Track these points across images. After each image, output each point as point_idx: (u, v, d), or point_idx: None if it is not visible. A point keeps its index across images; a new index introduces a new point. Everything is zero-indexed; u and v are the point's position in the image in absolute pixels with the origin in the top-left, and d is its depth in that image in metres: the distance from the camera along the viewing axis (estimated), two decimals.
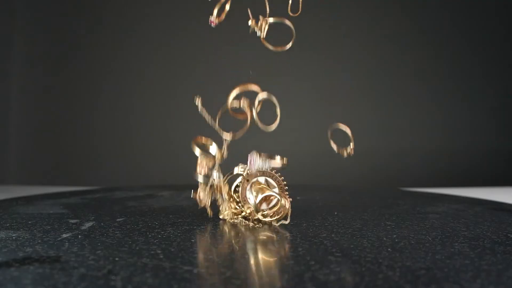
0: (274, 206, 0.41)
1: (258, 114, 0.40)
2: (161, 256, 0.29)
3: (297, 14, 0.37)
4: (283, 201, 0.39)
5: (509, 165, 1.37)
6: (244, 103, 0.40)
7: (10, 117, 1.40)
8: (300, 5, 0.37)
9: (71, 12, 1.41)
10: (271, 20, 0.39)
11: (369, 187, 0.85)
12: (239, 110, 0.41)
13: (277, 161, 0.42)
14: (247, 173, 0.41)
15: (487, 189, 1.16)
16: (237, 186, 0.43)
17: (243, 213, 0.42)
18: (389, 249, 0.31)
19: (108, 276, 0.24)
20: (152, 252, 0.30)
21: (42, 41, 1.41)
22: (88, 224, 0.40)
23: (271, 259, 0.29)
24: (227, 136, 0.41)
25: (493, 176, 1.36)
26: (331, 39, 1.39)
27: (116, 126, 1.42)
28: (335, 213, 0.47)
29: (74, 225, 0.39)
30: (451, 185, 1.26)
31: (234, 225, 0.40)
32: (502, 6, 1.41)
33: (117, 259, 0.28)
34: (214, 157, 0.43)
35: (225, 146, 0.41)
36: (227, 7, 0.38)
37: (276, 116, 0.40)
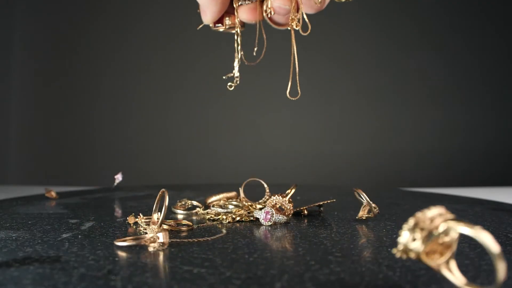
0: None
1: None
2: (162, 257, 0.29)
3: (307, 33, 0.38)
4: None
5: (509, 165, 1.37)
6: None
7: (10, 118, 1.40)
8: (309, 25, 0.37)
9: (71, 13, 1.41)
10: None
11: (369, 187, 0.85)
12: None
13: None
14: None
15: (487, 189, 1.16)
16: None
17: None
18: (389, 249, 0.31)
19: (108, 276, 0.24)
20: (153, 252, 0.30)
21: (42, 42, 1.41)
22: (88, 224, 0.40)
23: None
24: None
25: (493, 176, 1.36)
26: (331, 40, 1.39)
27: (116, 126, 1.42)
28: (335, 213, 0.47)
29: (74, 225, 0.39)
30: (451, 185, 1.26)
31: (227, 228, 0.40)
32: (503, 7, 1.41)
33: (117, 259, 0.28)
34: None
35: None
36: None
37: None
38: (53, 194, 0.59)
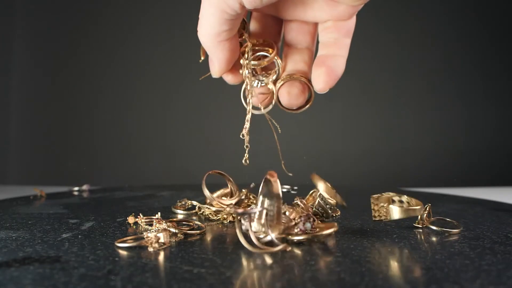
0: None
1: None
2: (162, 257, 0.29)
3: None
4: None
5: (509, 165, 1.37)
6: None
7: (10, 118, 1.40)
8: None
9: (71, 13, 1.41)
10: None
11: (369, 187, 0.85)
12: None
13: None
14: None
15: (487, 189, 1.16)
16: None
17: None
18: (389, 249, 0.31)
19: (108, 276, 0.24)
20: (153, 252, 0.30)
21: (42, 42, 1.41)
22: (88, 224, 0.40)
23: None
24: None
25: (493, 176, 1.36)
26: None
27: (116, 126, 1.41)
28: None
29: (74, 225, 0.39)
30: (451, 185, 1.26)
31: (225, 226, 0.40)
32: (503, 7, 1.41)
33: (117, 259, 0.28)
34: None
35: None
36: None
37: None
38: (41, 192, 0.61)
